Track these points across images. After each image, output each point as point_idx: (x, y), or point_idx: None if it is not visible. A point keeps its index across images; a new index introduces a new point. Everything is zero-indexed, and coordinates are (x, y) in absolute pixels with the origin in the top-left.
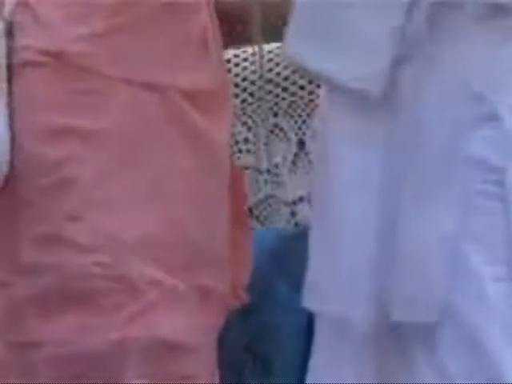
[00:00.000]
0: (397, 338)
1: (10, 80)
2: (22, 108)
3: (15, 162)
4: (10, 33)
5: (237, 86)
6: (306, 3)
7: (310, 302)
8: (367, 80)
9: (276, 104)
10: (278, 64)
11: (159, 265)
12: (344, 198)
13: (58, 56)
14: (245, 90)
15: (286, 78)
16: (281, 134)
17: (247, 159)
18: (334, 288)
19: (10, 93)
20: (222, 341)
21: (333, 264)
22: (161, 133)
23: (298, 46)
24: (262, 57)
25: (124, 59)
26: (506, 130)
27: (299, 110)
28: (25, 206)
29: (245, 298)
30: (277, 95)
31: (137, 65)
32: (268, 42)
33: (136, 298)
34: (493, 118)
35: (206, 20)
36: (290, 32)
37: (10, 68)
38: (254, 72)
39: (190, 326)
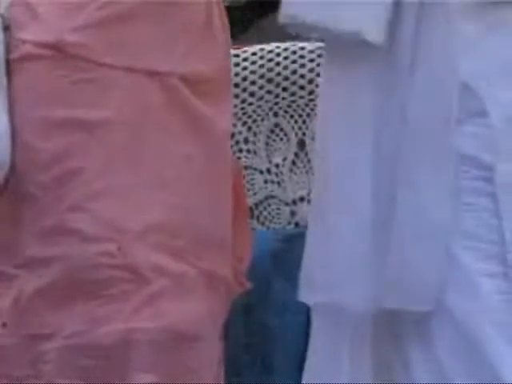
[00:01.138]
0: (392, 331)
1: (9, 75)
2: (23, 102)
3: (17, 157)
4: (7, 27)
5: (237, 86)
6: None
7: (305, 295)
8: (366, 22)
9: (276, 104)
10: (278, 64)
11: (166, 251)
12: (339, 184)
13: (56, 47)
14: (245, 90)
15: (286, 78)
16: (281, 134)
17: (247, 159)
18: (329, 277)
19: (9, 88)
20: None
21: (328, 252)
22: (163, 120)
23: (296, 4)
24: (262, 57)
25: (122, 48)
26: (493, 127)
27: (299, 110)
28: (28, 200)
29: (247, 284)
30: (277, 95)
31: (135, 53)
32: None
33: (143, 287)
34: (480, 113)
35: (210, 7)
36: None
37: (8, 63)
38: (253, 72)
39: (198, 313)
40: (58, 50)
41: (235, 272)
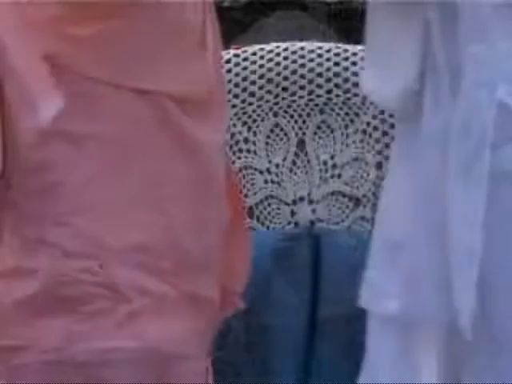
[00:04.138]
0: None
1: (1, 81)
2: (13, 109)
3: (4, 164)
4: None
5: (237, 85)
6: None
7: (373, 302)
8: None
9: (276, 104)
10: (278, 64)
11: (148, 271)
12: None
13: (47, 57)
14: (245, 89)
15: (285, 78)
16: (281, 134)
17: (247, 159)
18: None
19: (1, 94)
20: (221, 341)
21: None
22: (151, 138)
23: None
24: (262, 57)
25: (113, 63)
26: None
27: (299, 110)
28: (12, 209)
29: (240, 304)
30: (277, 95)
31: (125, 69)
32: None
33: (123, 305)
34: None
35: (205, 27)
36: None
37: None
38: (253, 72)
39: (179, 333)
40: (49, 60)
41: (227, 292)
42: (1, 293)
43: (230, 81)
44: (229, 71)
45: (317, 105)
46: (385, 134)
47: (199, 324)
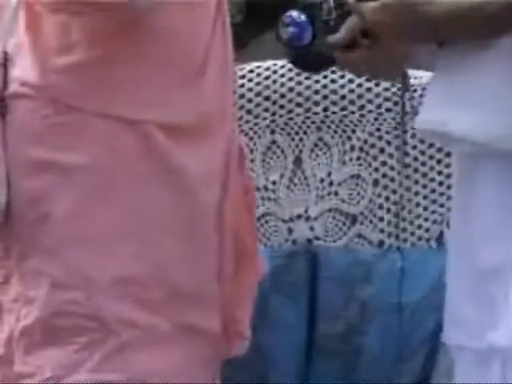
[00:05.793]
0: None
1: (3, 113)
2: (10, 140)
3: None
4: (4, 64)
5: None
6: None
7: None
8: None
9: (273, 121)
10: (274, 81)
11: (137, 303)
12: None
13: (36, 88)
14: (242, 107)
15: (282, 96)
16: (278, 152)
17: None
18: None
19: (3, 126)
20: None
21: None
22: (137, 168)
23: (437, 113)
24: (259, 74)
25: (98, 93)
26: None
27: (296, 128)
28: (16, 241)
29: (247, 334)
30: (274, 113)
31: (111, 99)
32: None
33: (110, 338)
34: None
35: (207, 45)
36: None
37: (3, 100)
38: (250, 89)
39: (173, 366)
40: (38, 91)
41: (231, 323)
42: (14, 318)
43: None
44: None
45: (314, 122)
46: (382, 151)
47: (197, 356)
